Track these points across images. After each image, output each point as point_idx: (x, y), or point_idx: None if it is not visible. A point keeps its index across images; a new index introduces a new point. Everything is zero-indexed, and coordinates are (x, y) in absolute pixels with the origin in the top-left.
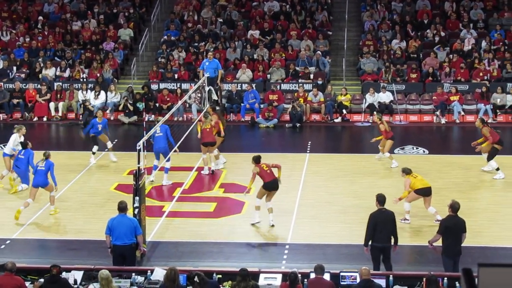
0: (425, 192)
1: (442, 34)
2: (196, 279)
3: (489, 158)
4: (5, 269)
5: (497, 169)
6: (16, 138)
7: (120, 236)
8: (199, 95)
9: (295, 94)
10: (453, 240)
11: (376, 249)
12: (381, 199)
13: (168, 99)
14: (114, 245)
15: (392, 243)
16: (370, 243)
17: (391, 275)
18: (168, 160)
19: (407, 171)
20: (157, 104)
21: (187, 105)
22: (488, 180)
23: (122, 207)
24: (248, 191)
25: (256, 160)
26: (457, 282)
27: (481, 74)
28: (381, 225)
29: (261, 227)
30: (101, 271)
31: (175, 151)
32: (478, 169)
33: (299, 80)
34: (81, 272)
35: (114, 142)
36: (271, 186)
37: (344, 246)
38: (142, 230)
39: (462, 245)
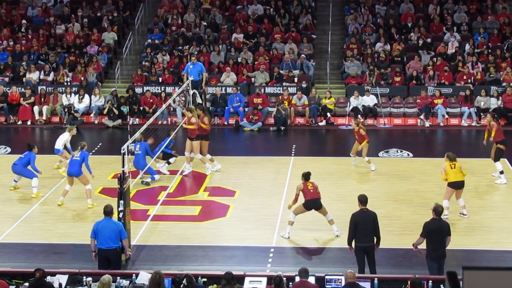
0: (457, 186)
1: (426, 37)
2: (184, 281)
3: (496, 159)
4: None
5: (501, 172)
6: (67, 138)
7: (105, 239)
8: (183, 98)
9: (280, 97)
10: (436, 244)
11: (359, 249)
12: (363, 199)
13: (151, 100)
14: (99, 248)
15: (375, 243)
16: (354, 243)
17: (376, 278)
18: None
19: (450, 157)
20: (141, 108)
21: (172, 109)
22: (472, 183)
23: (107, 211)
24: (288, 207)
25: (306, 177)
26: (442, 285)
27: (464, 77)
28: (362, 225)
29: (245, 231)
30: (104, 276)
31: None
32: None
33: (284, 84)
34: (66, 276)
35: (98, 146)
36: (311, 205)
37: (329, 250)
38: (127, 234)
39: (447, 248)
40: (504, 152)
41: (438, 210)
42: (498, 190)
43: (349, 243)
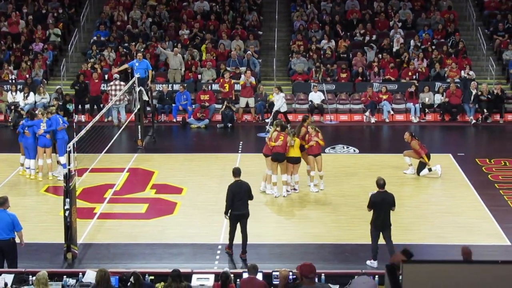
0: (293, 161)
1: (371, 34)
2: (131, 279)
3: (419, 171)
4: None
5: (429, 169)
6: None
7: None
8: (127, 97)
9: (221, 91)
10: (379, 214)
11: (234, 217)
12: (237, 171)
13: (97, 81)
14: None
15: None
16: (230, 212)
17: (323, 274)
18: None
19: (280, 125)
20: (88, 105)
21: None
22: (417, 179)
23: (0, 202)
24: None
25: (282, 128)
26: None
27: (410, 73)
28: (238, 195)
29: (193, 228)
30: (40, 273)
31: None
32: (407, 168)
33: (228, 68)
34: (12, 276)
35: None
36: (276, 157)
37: (277, 246)
38: (73, 232)
39: (394, 242)
40: (427, 164)
41: (378, 183)
42: (441, 185)
43: (226, 213)
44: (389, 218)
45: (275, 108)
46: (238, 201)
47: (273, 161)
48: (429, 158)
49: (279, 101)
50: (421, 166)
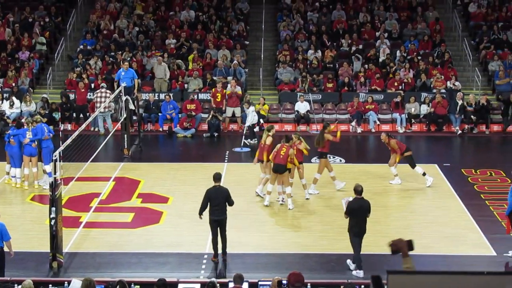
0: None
1: (358, 44)
2: (117, 287)
3: (413, 166)
4: None
5: (424, 174)
6: None
7: None
8: (112, 106)
9: (212, 101)
10: (357, 221)
11: (213, 222)
12: (217, 176)
13: (83, 90)
14: None
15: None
16: (208, 217)
17: (309, 284)
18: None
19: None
20: (74, 114)
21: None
22: (403, 189)
23: None
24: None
25: (286, 139)
26: None
27: (396, 83)
28: (215, 200)
29: (179, 237)
30: (25, 282)
31: None
32: (393, 178)
33: (216, 77)
34: None
35: None
36: (276, 168)
37: (263, 255)
38: (59, 241)
39: (379, 252)
40: (413, 155)
41: (357, 189)
42: (427, 195)
43: (200, 213)
44: (365, 225)
45: (247, 123)
46: (215, 206)
47: (274, 173)
48: (410, 150)
49: (250, 115)
50: (412, 161)
